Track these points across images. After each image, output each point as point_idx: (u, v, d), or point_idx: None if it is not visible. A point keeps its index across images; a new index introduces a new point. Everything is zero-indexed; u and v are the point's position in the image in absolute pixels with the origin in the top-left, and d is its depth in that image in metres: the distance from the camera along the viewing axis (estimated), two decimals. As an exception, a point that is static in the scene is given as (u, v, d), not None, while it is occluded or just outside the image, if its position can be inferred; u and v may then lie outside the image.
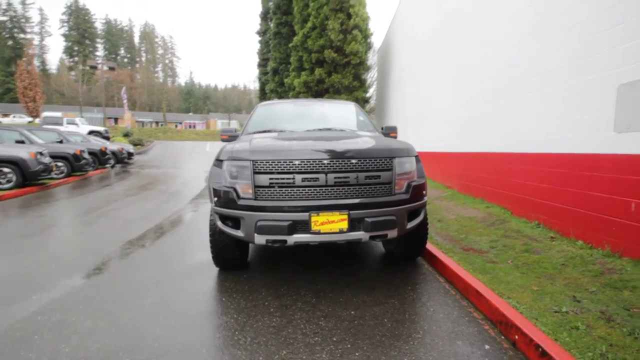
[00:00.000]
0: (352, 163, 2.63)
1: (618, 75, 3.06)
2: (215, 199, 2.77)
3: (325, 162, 2.59)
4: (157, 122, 54.16)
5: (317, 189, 2.58)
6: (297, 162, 2.59)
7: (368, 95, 16.70)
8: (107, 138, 18.57)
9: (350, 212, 2.54)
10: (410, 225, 2.78)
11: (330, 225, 2.53)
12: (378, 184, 2.69)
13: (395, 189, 2.73)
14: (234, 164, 2.71)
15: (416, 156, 2.96)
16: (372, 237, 2.64)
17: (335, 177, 2.59)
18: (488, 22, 5.68)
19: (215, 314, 2.45)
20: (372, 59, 18.01)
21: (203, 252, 3.51)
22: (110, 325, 2.25)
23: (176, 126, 53.04)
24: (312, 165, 2.59)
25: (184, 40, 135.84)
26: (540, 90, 4.23)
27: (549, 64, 4.08)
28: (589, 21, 3.42)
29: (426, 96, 9.01)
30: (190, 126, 56.57)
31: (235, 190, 2.67)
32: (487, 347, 2.03)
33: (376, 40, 19.24)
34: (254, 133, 3.81)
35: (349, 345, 2.05)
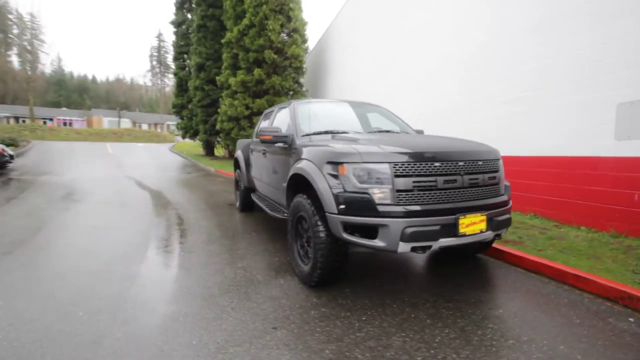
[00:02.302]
0: (479, 165, 2.71)
1: (617, 96, 3.93)
2: (342, 206, 2.47)
3: (461, 163, 2.60)
4: (16, 118, 43.11)
5: (457, 191, 2.57)
6: (437, 165, 2.53)
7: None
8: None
9: (487, 212, 2.62)
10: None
11: (474, 226, 2.55)
12: (494, 185, 2.83)
13: (501, 189, 2.92)
14: (366, 167, 2.48)
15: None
16: (496, 236, 2.77)
17: (470, 179, 2.62)
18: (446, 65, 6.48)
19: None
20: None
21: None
22: None
23: (45, 123, 43.24)
24: (451, 167, 2.56)
25: (53, 21, 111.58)
26: (545, 104, 5.07)
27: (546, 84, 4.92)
28: (592, 50, 4.26)
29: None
30: (65, 123, 46.83)
31: (369, 195, 2.43)
32: (631, 319, 2.38)
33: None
34: (314, 134, 3.51)
35: (525, 338, 2.12)
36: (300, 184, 3.16)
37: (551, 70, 4.75)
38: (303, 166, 2.92)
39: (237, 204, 6.27)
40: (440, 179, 2.53)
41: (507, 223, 2.83)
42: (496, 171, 2.87)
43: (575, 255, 3.50)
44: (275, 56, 14.16)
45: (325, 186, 2.59)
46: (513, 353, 2.00)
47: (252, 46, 14.15)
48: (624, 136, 3.89)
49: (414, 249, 2.43)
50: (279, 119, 4.51)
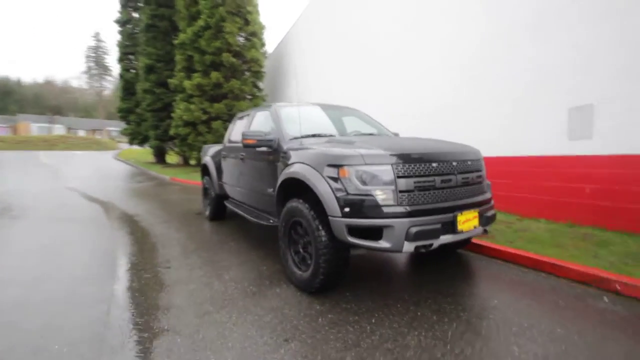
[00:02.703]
0: (469, 164, 2.86)
1: (569, 102, 4.41)
2: (347, 209, 2.44)
3: (454, 163, 2.72)
4: None
5: (453, 190, 2.67)
6: (435, 165, 2.62)
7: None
8: None
9: (479, 209, 2.76)
10: (492, 217, 3.21)
11: (469, 223, 2.67)
12: (480, 183, 3.00)
13: (485, 186, 3.11)
14: (368, 169, 2.48)
15: (480, 158, 3.42)
16: (484, 231, 2.92)
17: (462, 178, 2.74)
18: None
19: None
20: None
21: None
22: None
23: (-43, 130, 37.74)
24: (447, 167, 2.67)
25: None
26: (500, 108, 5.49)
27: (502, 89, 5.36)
28: (543, 61, 4.73)
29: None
30: (-16, 131, 41.12)
31: (373, 197, 2.44)
32: (605, 299, 2.65)
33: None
34: (302, 137, 3.45)
35: (525, 325, 2.27)
36: (292, 189, 3.07)
37: (507, 78, 5.20)
38: (299, 170, 2.85)
39: (207, 212, 5.94)
40: (438, 179, 2.61)
41: (494, 218, 3.01)
42: (481, 170, 3.05)
43: (541, 245, 3.82)
44: (234, 59, 13.78)
45: (327, 189, 2.54)
46: (521, 339, 2.11)
47: (208, 48, 13.64)
48: (576, 137, 4.36)
49: (417, 248, 2.47)
50: (258, 123, 4.37)
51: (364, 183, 2.48)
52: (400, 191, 2.48)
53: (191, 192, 9.74)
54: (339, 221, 2.47)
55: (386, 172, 2.48)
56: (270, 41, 16.20)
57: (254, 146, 3.60)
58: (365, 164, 2.50)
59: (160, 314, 2.52)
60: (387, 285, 3.03)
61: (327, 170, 2.60)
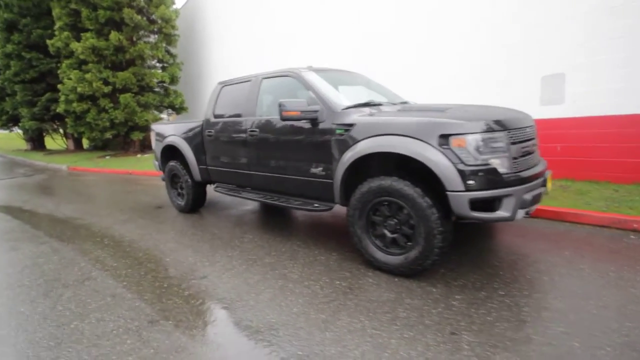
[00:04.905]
0: (534, 129, 2.94)
1: (542, 70, 4.97)
2: (471, 182, 2.27)
3: (529, 129, 2.75)
4: None
5: (532, 155, 2.72)
6: (528, 130, 2.62)
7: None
8: None
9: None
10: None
11: (549, 184, 2.79)
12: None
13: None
14: (488, 137, 2.32)
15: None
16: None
17: (533, 143, 2.81)
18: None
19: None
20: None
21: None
22: None
23: None
24: (531, 132, 2.71)
25: None
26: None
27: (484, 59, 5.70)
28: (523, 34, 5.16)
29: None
30: None
31: (492, 167, 2.32)
32: (632, 236, 3.17)
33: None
34: (356, 107, 3.05)
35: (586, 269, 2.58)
36: (361, 167, 2.73)
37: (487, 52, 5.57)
38: (392, 142, 2.49)
39: (181, 203, 4.94)
40: (530, 144, 2.64)
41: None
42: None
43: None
44: (139, 17, 11.39)
45: (444, 162, 2.30)
46: (592, 282, 2.36)
47: (102, 2, 10.91)
48: (547, 102, 5.00)
49: (526, 214, 2.48)
50: (269, 92, 3.70)
51: (481, 153, 2.32)
52: (514, 158, 2.41)
53: (117, 183, 8.01)
54: (462, 196, 2.28)
55: (503, 139, 2.37)
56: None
57: (295, 119, 3.02)
58: (485, 132, 2.33)
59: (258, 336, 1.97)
60: (463, 255, 3.01)
61: (440, 141, 2.33)
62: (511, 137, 2.42)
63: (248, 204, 5.29)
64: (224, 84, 4.30)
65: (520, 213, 2.41)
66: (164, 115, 14.53)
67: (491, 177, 2.30)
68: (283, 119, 3.03)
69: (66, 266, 3.19)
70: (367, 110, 2.99)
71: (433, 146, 2.35)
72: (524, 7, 5.14)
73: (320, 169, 3.09)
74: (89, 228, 4.43)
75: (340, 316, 2.15)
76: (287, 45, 9.18)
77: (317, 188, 3.17)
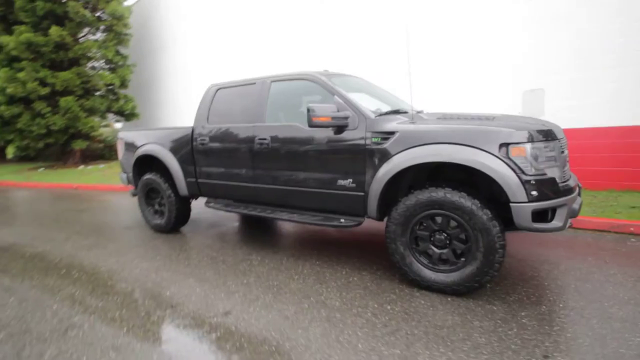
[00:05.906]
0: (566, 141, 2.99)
1: (522, 86, 5.29)
2: (534, 193, 2.18)
3: (564, 140, 2.78)
4: None
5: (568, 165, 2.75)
6: (564, 140, 2.63)
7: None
8: None
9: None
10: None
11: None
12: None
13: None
14: (543, 145, 2.27)
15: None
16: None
17: (567, 154, 2.86)
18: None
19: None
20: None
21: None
22: None
23: None
24: (565, 144, 2.72)
25: None
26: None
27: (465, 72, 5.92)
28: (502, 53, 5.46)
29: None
30: None
31: (550, 176, 2.27)
32: (632, 239, 3.37)
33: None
34: (386, 114, 2.88)
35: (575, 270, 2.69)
36: (398, 179, 2.55)
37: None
38: (452, 152, 2.32)
39: (160, 222, 4.28)
40: (567, 154, 2.66)
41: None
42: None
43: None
44: (86, 12, 10.18)
45: (508, 172, 2.18)
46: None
47: (40, -8, 9.56)
48: (530, 114, 5.31)
49: (569, 224, 2.47)
50: (281, 97, 3.36)
51: (538, 162, 2.25)
52: (563, 167, 2.40)
53: (63, 200, 6.89)
54: (525, 207, 2.18)
55: (555, 148, 2.34)
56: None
57: (326, 125, 2.74)
58: (541, 140, 2.27)
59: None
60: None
61: (500, 151, 2.22)
62: (561, 146, 2.42)
63: (235, 220, 4.79)
64: (220, 87, 3.84)
65: (567, 223, 2.39)
66: (118, 125, 13.08)
67: (550, 187, 2.25)
68: (312, 125, 2.72)
69: (33, 311, 2.47)
70: (402, 117, 2.81)
71: (495, 155, 2.23)
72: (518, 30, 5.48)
73: (350, 180, 2.82)
74: (44, 258, 3.60)
75: (416, 349, 1.88)
76: (265, 47, 8.81)
77: (344, 201, 2.89)
